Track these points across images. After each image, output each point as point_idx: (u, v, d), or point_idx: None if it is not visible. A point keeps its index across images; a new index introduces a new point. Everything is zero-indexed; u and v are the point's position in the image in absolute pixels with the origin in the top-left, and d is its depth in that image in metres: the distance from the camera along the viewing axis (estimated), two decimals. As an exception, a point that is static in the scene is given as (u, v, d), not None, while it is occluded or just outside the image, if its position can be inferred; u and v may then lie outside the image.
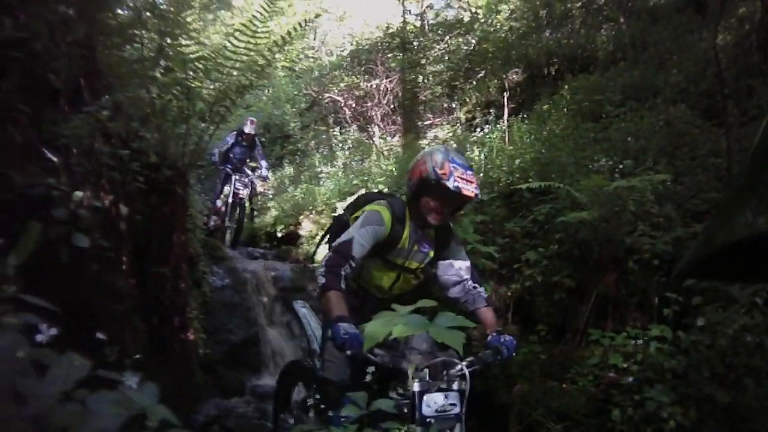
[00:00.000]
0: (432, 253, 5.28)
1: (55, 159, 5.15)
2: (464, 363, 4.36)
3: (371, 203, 5.14)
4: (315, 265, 14.40)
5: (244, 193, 15.06)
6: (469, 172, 4.70)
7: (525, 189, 8.96)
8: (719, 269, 1.54)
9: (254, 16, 7.61)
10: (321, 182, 18.65)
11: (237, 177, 14.92)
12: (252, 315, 11.06)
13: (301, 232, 16.77)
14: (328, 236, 5.75)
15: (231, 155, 15.29)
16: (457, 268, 5.33)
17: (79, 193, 5.19)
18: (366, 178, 16.75)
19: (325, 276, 4.59)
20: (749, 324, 5.73)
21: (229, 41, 7.81)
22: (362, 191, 15.94)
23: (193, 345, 7.79)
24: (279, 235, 17.37)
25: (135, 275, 6.33)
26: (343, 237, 4.81)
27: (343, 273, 4.65)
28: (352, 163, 19.53)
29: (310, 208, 17.26)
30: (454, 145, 4.70)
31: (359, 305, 5.10)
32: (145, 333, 6.44)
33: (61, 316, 2.07)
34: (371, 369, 4.01)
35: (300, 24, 8.57)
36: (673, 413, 5.70)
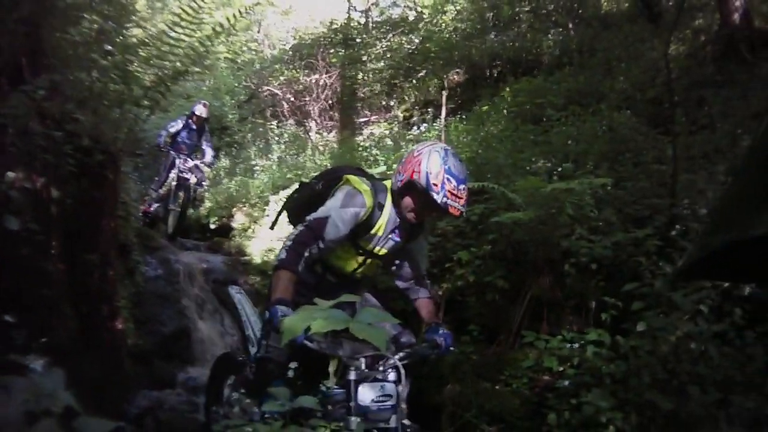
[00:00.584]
0: (401, 244, 5.15)
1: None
2: (397, 356, 4.37)
3: (356, 177, 4.95)
4: (246, 257, 14.41)
5: (190, 176, 14.23)
6: (461, 187, 4.55)
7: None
8: (719, 269, 1.51)
9: (195, 3, 7.54)
10: (256, 175, 18.65)
11: (182, 161, 14.24)
12: (184, 307, 10.96)
13: (234, 225, 16.76)
14: (289, 206, 5.65)
15: (179, 139, 14.68)
16: (417, 261, 5.30)
17: (11, 174, 5.09)
18: (300, 173, 16.76)
19: (287, 251, 4.47)
20: (693, 331, 5.73)
21: (170, 27, 7.75)
22: (296, 186, 15.99)
23: (121, 335, 7.69)
24: (212, 227, 17.34)
25: (65, 261, 6.22)
26: (320, 213, 4.68)
27: (306, 253, 4.53)
28: (288, 157, 19.53)
29: (244, 200, 17.27)
30: (452, 149, 4.43)
31: (315, 283, 5.03)
32: (74, 320, 6.32)
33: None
34: (293, 365, 4.12)
35: (239, 11, 8.54)
36: (612, 418, 5.67)
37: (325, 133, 21.42)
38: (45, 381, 1.97)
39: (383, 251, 5.10)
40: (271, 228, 6.12)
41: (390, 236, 5.03)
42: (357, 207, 4.69)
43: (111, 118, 7.34)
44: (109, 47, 7.01)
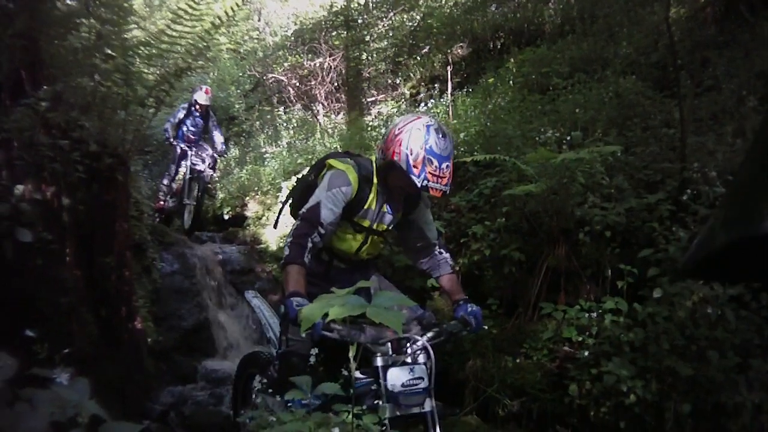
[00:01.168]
0: (400, 215, 5.14)
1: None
2: (426, 336, 4.34)
3: (336, 159, 4.96)
4: (262, 245, 14.41)
5: (202, 167, 14.02)
6: (444, 165, 4.50)
7: (470, 162, 8.86)
8: (721, 269, 1.52)
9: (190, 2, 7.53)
10: (266, 162, 18.60)
11: (193, 152, 13.97)
12: (202, 300, 11.00)
13: (248, 214, 16.69)
14: (290, 201, 5.61)
15: (184, 128, 14.30)
16: (424, 231, 5.22)
17: (20, 187, 5.13)
18: (310, 157, 16.70)
19: (290, 247, 4.46)
20: (709, 295, 5.73)
21: (170, 25, 7.74)
22: (307, 170, 15.97)
23: (141, 334, 7.74)
24: (225, 217, 17.30)
25: (80, 267, 6.27)
26: (310, 202, 4.64)
27: (310, 243, 4.50)
28: (297, 142, 19.45)
29: (256, 189, 17.23)
30: (435, 123, 4.27)
31: (324, 271, 5.06)
32: (93, 324, 6.37)
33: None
34: (314, 351, 4.11)
35: (237, 4, 8.51)
36: (633, 387, 5.68)
37: (333, 116, 21.31)
38: (70, 391, 1.99)
39: (382, 226, 5.08)
40: (275, 227, 6.09)
41: (384, 210, 5.01)
42: (343, 186, 4.69)
43: (117, 120, 7.35)
44: (110, 51, 7.00)
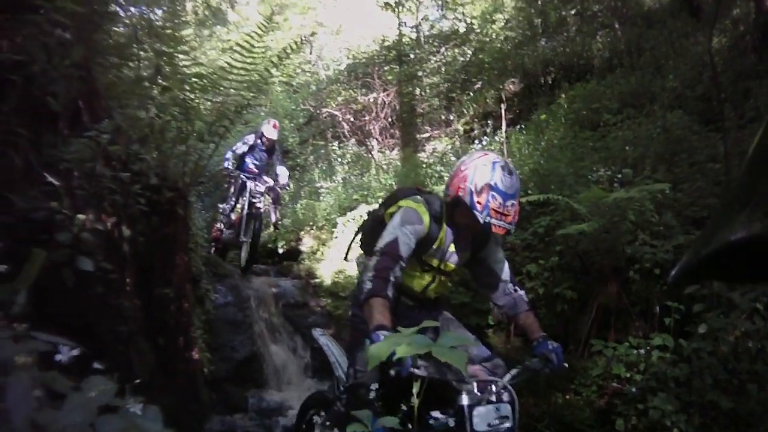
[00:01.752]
0: (468, 254, 5.04)
1: (56, 183, 5.15)
2: (509, 375, 4.34)
3: (406, 199, 4.86)
4: (317, 280, 14.38)
5: (261, 203, 13.25)
6: (509, 202, 4.37)
7: (525, 202, 8.85)
8: (716, 271, 1.57)
9: (251, 34, 7.58)
10: (321, 197, 18.48)
11: (253, 185, 13.18)
12: (255, 332, 11.07)
13: (302, 248, 16.62)
14: (360, 234, 5.60)
15: (247, 160, 13.66)
16: (495, 270, 5.10)
17: (81, 217, 5.21)
18: (366, 193, 16.73)
19: (372, 281, 4.34)
20: (750, 330, 5.74)
21: (227, 59, 7.82)
22: (363, 206, 15.95)
23: (198, 364, 7.81)
24: (280, 251, 17.16)
25: (139, 296, 6.35)
26: (387, 237, 4.56)
27: (392, 278, 4.40)
28: (352, 177, 19.39)
29: (311, 223, 17.16)
30: (502, 160, 4.14)
31: (392, 307, 4.57)
32: (151, 353, 6.46)
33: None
34: (374, 386, 4.18)
35: (297, 42, 8.55)
36: (676, 421, 5.70)
37: (387, 152, 21.39)
38: (144, 420, 2.07)
39: (450, 266, 4.99)
40: (345, 259, 6.03)
41: (453, 249, 4.92)
42: (416, 223, 4.62)
43: (176, 154, 7.43)
44: (164, 82, 7.07)
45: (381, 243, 4.57)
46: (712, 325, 5.96)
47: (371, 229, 5.24)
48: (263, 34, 7.57)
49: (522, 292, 5.13)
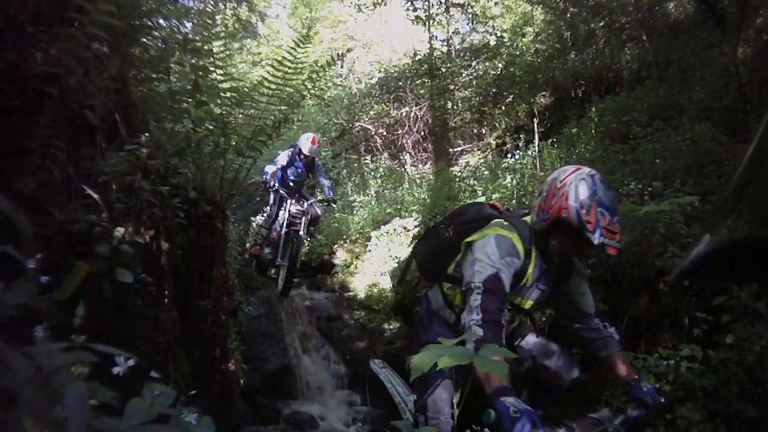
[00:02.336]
0: (550, 290, 4.62)
1: (95, 195, 5.23)
2: (617, 422, 4.16)
3: (496, 226, 4.37)
4: (350, 293, 14.36)
5: (300, 223, 12.66)
6: (615, 219, 3.98)
7: (557, 216, 8.86)
8: (716, 271, 1.62)
9: (290, 49, 7.61)
10: (354, 211, 18.54)
11: (293, 202, 12.84)
12: (287, 344, 11.14)
13: (336, 261, 16.63)
14: (420, 257, 5.15)
15: (287, 175, 13.32)
16: (578, 304, 4.79)
17: (120, 229, 5.27)
18: (399, 207, 16.81)
19: (483, 327, 3.85)
20: (775, 339, 5.79)
21: (264, 73, 7.86)
22: (396, 220, 15.98)
23: (234, 375, 7.88)
24: (313, 264, 17.16)
25: (177, 308, 6.42)
26: (484, 270, 4.05)
27: (504, 322, 3.95)
28: (385, 191, 19.55)
29: (344, 237, 17.21)
30: (598, 174, 3.78)
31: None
32: (187, 364, 6.53)
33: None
34: None
35: (333, 57, 8.59)
36: (703, 430, 5.74)
37: (420, 166, 21.52)
38: (199, 429, 2.15)
39: (529, 303, 4.60)
40: (399, 284, 5.80)
41: (536, 285, 4.50)
42: (515, 257, 4.17)
43: (213, 168, 7.50)
44: (199, 96, 7.12)
45: (478, 277, 4.07)
46: (739, 336, 5.99)
47: (439, 253, 4.83)
48: (302, 49, 7.59)
49: (612, 330, 4.86)
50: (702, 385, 6.07)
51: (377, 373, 6.09)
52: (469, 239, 4.44)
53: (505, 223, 4.40)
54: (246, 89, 7.62)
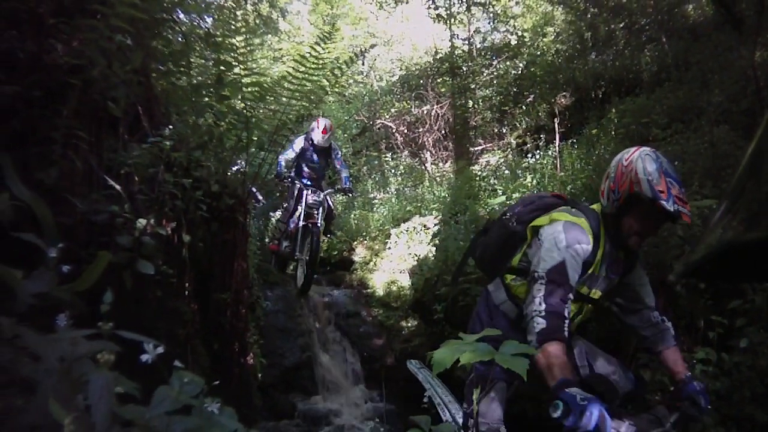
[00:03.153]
0: (617, 279, 4.48)
1: (117, 186, 5.24)
2: (672, 420, 4.06)
3: (563, 212, 4.30)
4: (369, 290, 14.35)
5: (318, 214, 12.27)
6: (682, 189, 3.90)
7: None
8: (717, 271, 1.62)
9: (314, 46, 7.58)
10: (374, 208, 18.54)
11: (309, 193, 12.39)
12: (305, 340, 11.15)
13: (355, 258, 16.62)
14: (479, 249, 5.00)
15: (303, 165, 12.90)
16: (641, 295, 4.62)
17: (142, 221, 5.28)
18: (419, 204, 16.85)
19: (546, 318, 3.77)
20: (788, 344, 5.81)
21: (288, 69, 7.85)
22: (416, 218, 15.98)
23: (252, 369, 7.91)
24: (332, 260, 17.10)
25: (197, 301, 6.44)
26: (550, 259, 3.98)
27: (567, 314, 3.85)
28: (405, 189, 19.54)
29: (364, 234, 17.20)
30: (657, 152, 3.67)
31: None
32: (206, 357, 6.55)
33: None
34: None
35: (356, 54, 8.57)
36: (715, 434, 5.77)
37: (440, 164, 21.51)
38: (222, 418, 2.17)
39: (597, 293, 4.43)
40: (455, 282, 5.63)
41: (606, 273, 4.36)
42: (584, 243, 4.06)
43: (235, 161, 7.52)
44: (221, 91, 7.11)
45: (543, 266, 4.01)
46: (753, 340, 6.00)
47: (502, 244, 4.69)
48: (325, 46, 7.56)
49: (669, 324, 4.62)
50: (715, 388, 6.08)
51: (415, 373, 6.01)
52: (535, 223, 4.39)
53: (573, 209, 4.33)
54: (268, 85, 7.60)
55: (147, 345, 2.13)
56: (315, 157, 12.93)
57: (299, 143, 12.71)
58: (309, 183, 12.77)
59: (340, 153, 13.64)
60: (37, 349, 2.23)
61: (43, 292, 2.75)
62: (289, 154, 12.61)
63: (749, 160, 1.37)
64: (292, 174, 12.78)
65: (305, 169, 12.97)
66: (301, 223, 12.34)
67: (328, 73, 8.04)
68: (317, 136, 12.61)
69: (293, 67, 7.70)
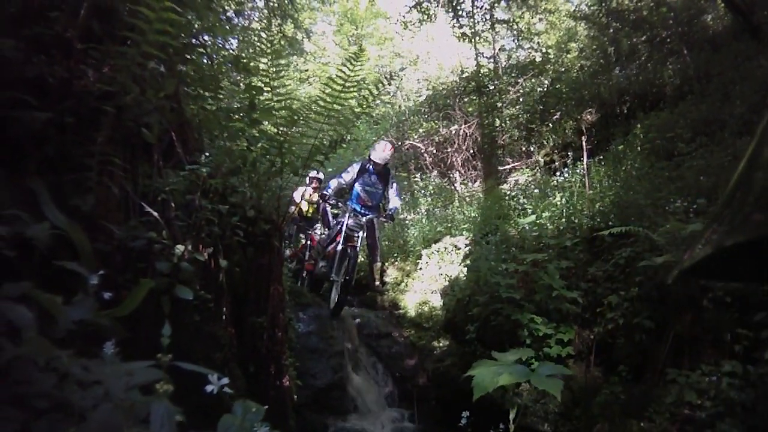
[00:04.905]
0: None
1: (154, 213, 5.30)
2: None
3: None
4: (400, 311, 14.36)
5: (357, 237, 12.27)
6: None
7: (606, 233, 9.07)
8: (713, 271, 1.65)
9: (340, 69, 7.59)
10: (405, 229, 18.44)
11: (350, 215, 12.38)
12: (337, 360, 11.18)
13: (386, 279, 16.48)
14: None
15: (357, 188, 12.85)
16: None
17: (180, 247, 5.34)
18: (450, 225, 16.83)
19: None
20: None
21: (317, 94, 7.87)
22: (447, 238, 15.94)
23: (288, 391, 7.94)
24: (363, 282, 16.78)
25: (234, 325, 6.49)
26: None
27: None
28: (435, 209, 19.51)
29: (395, 255, 17.17)
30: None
31: None
32: (242, 380, 6.60)
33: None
34: None
35: (387, 77, 8.59)
36: (740, 445, 5.81)
37: (469, 183, 21.60)
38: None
39: None
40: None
41: None
42: None
43: (270, 186, 7.56)
44: (253, 115, 7.14)
45: None
46: (776, 351, 6.07)
47: None
48: (354, 66, 7.56)
49: None
50: (741, 400, 6.13)
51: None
52: None
53: None
54: (299, 108, 7.61)
55: (211, 377, 2.20)
56: (374, 178, 12.85)
57: (355, 168, 12.70)
58: (359, 208, 12.76)
59: (396, 184, 13.46)
60: (88, 377, 2.29)
61: (83, 319, 2.82)
62: (344, 177, 12.59)
63: (742, 170, 1.41)
64: (344, 198, 12.69)
65: (360, 194, 12.89)
66: (339, 246, 12.19)
67: (359, 94, 8.04)
68: (378, 154, 12.58)
69: (321, 89, 7.71)
